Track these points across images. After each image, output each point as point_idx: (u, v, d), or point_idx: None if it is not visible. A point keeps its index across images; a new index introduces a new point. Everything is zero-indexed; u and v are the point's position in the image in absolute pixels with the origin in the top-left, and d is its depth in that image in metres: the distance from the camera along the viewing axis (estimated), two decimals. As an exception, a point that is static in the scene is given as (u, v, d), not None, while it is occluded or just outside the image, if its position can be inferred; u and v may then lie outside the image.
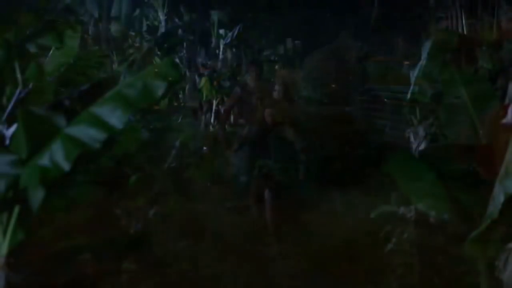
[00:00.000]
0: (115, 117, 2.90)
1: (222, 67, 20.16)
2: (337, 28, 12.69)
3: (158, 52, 15.97)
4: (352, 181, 9.71)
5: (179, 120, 10.38)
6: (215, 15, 19.68)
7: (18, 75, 3.48)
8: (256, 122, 7.49)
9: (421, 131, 5.79)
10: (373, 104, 12.05)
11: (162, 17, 19.07)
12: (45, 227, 3.30)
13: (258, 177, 7.42)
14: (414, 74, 5.91)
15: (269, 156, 7.23)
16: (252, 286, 6.07)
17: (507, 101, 5.13)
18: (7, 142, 3.10)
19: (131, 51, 16.80)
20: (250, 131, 7.68)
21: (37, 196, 3.04)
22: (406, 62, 8.90)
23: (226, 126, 8.74)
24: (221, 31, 19.76)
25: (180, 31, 19.85)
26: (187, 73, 18.56)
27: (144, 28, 18.77)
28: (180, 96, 18.01)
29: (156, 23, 19.55)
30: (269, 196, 7.32)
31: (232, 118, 8.75)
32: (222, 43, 19.85)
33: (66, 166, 2.89)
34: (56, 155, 2.90)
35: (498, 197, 3.62)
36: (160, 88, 2.96)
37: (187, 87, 17.97)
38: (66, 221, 3.50)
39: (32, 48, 3.82)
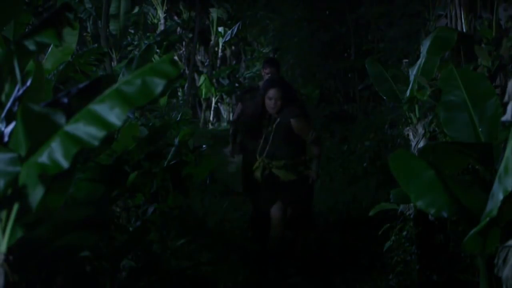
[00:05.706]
0: (114, 115, 2.90)
1: (221, 65, 20.17)
2: (336, 26, 12.69)
3: (157, 50, 15.96)
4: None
5: (178, 118, 10.38)
6: (214, 13, 19.67)
7: (17, 73, 3.47)
8: (252, 111, 6.64)
9: (420, 129, 5.79)
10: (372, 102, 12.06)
11: (161, 14, 19.05)
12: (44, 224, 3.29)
13: (259, 179, 6.35)
14: (413, 72, 5.92)
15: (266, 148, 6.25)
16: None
17: (506, 99, 5.13)
18: (6, 139, 3.10)
19: (130, 48, 16.80)
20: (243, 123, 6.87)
21: (36, 193, 3.04)
22: (405, 60, 8.91)
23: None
24: (220, 29, 19.74)
25: (179, 29, 19.84)
26: (186, 71, 18.57)
27: (143, 26, 18.77)
28: (179, 93, 18.02)
29: (155, 20, 19.54)
30: (277, 209, 6.23)
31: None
32: (221, 41, 19.84)
33: (65, 163, 2.89)
34: (55, 153, 2.90)
35: (497, 194, 3.61)
36: (159, 85, 2.95)
37: (186, 85, 17.97)
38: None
39: (30, 46, 3.80)
